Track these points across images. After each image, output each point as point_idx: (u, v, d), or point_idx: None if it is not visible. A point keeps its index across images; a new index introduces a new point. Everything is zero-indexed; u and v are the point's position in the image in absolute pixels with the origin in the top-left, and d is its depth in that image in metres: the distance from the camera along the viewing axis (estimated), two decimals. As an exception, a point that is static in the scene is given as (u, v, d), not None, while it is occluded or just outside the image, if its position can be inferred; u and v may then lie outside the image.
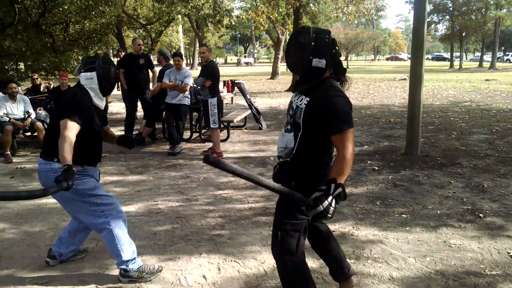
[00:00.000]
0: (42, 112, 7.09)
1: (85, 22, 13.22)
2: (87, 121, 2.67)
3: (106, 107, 3.05)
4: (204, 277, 2.99)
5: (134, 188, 5.07)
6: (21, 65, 14.78)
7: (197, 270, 3.09)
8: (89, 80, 2.74)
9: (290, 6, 16.47)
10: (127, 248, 2.87)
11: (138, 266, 2.91)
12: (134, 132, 7.96)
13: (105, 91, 2.83)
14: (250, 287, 2.87)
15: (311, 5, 17.78)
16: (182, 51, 35.09)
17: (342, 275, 2.64)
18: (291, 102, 2.30)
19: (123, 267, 2.87)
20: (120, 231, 2.84)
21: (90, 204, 2.77)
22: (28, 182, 5.33)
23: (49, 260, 3.14)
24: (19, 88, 7.39)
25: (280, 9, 16.80)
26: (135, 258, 2.91)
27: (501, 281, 2.85)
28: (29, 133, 7.07)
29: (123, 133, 7.76)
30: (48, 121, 7.09)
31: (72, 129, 2.55)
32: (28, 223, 4.00)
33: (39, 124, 6.66)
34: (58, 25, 13.35)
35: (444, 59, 43.48)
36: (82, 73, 2.76)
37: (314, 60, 2.07)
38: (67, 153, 2.44)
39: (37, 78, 8.92)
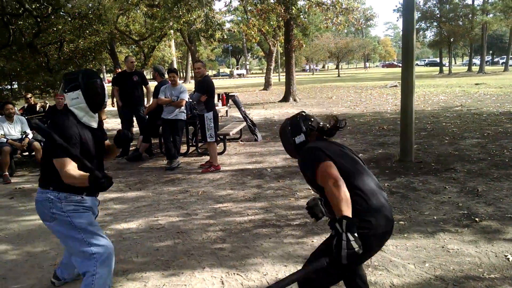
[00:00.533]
0: (39, 132, 7.12)
1: (79, 40, 13.32)
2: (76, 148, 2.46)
3: (101, 123, 2.89)
4: (208, 291, 3.03)
5: (133, 205, 5.10)
6: (15, 84, 14.82)
7: (201, 284, 3.13)
8: (75, 100, 2.50)
9: (281, 18, 16.67)
10: None
11: None
12: (131, 149, 8.00)
13: (95, 107, 2.58)
14: (254, 299, 2.91)
15: (301, 16, 18.00)
16: (175, 65, 35.28)
17: None
18: None
19: None
20: (103, 281, 2.58)
21: (83, 243, 2.54)
22: (27, 202, 5.35)
23: (55, 281, 3.15)
24: (16, 108, 7.42)
25: (272, 22, 17.01)
26: None
27: (499, 284, 2.92)
28: (26, 153, 7.09)
29: (124, 149, 7.80)
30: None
31: (66, 165, 2.39)
32: (30, 244, 4.02)
33: (36, 144, 6.70)
34: (53, 45, 13.44)
35: (437, 64, 44.08)
36: (66, 94, 2.51)
37: (296, 139, 2.49)
38: (79, 180, 2.37)
39: (30, 97, 8.96)
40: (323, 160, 2.19)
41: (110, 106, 10.87)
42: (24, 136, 6.78)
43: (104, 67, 36.63)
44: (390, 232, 2.24)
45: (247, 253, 3.63)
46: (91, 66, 14.24)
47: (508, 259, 3.28)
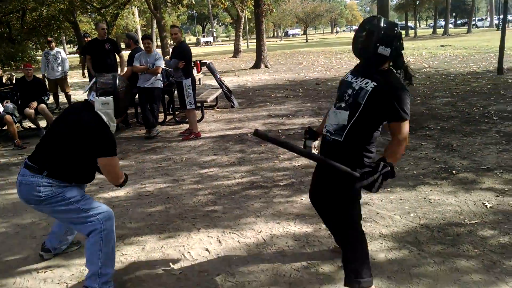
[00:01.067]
0: (10, 105, 6.85)
1: (43, 8, 12.63)
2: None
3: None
4: (207, 250, 3.12)
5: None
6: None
7: (199, 244, 3.21)
8: (105, 105, 2.54)
9: (249, -18, 16.34)
10: (107, 261, 2.61)
11: None
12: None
13: (119, 114, 2.67)
14: (252, 254, 3.02)
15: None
16: (139, 34, 34.18)
17: None
18: (349, 82, 2.38)
19: (92, 284, 2.57)
20: (111, 236, 2.62)
21: (79, 211, 2.56)
22: (6, 176, 5.23)
23: (43, 254, 3.12)
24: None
25: (242, -14, 16.62)
26: (110, 282, 2.64)
27: (480, 229, 3.14)
28: (-3, 127, 6.86)
29: None
30: (16, 113, 6.89)
31: (117, 164, 2.66)
32: (18, 216, 3.97)
33: (8, 117, 6.46)
34: (14, 14, 12.70)
35: (408, 27, 44.67)
36: (98, 98, 2.55)
37: (380, 48, 2.21)
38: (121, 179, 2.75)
39: (-1, 69, 8.58)
40: (409, 116, 2.24)
41: (81, 77, 10.56)
42: (-6, 109, 6.54)
43: (64, 37, 35.15)
44: None
45: (239, 213, 3.72)
46: (56, 35, 13.61)
47: (486, 206, 3.51)
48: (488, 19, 54.38)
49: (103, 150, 2.53)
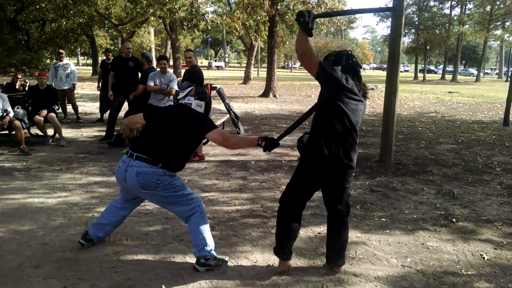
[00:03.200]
0: (20, 111, 6.96)
1: (62, 20, 13.00)
2: None
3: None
4: (200, 275, 3.10)
5: (119, 189, 5.07)
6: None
7: (193, 269, 3.20)
8: (199, 107, 3.31)
9: (266, 14, 16.71)
10: (209, 235, 3.20)
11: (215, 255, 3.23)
12: (114, 133, 7.92)
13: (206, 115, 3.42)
14: (246, 285, 3.00)
15: (289, 13, 18.02)
16: (153, 53, 34.79)
17: (335, 261, 3.19)
18: None
19: (203, 253, 3.14)
20: (206, 215, 3.25)
21: (182, 196, 3.17)
22: (9, 180, 5.26)
23: (84, 243, 3.46)
24: (-4, 85, 7.24)
25: (259, 17, 16.98)
26: (213, 252, 3.21)
27: (476, 281, 3.12)
28: (6, 132, 6.93)
29: (109, 133, 7.72)
30: (25, 120, 6.98)
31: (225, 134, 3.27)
32: (16, 222, 3.98)
33: (17, 122, 6.54)
34: (34, 23, 13.05)
35: (430, 71, 45.12)
36: (194, 101, 3.31)
37: (334, 67, 2.82)
38: (244, 142, 3.64)
39: (21, 78, 8.80)
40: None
41: (92, 89, 10.72)
42: (4, 114, 6.62)
43: (79, 49, 35.78)
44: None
45: (236, 241, 3.72)
46: (72, 47, 13.90)
47: (484, 258, 3.49)
48: (497, 69, 55.07)
49: (207, 126, 3.19)
